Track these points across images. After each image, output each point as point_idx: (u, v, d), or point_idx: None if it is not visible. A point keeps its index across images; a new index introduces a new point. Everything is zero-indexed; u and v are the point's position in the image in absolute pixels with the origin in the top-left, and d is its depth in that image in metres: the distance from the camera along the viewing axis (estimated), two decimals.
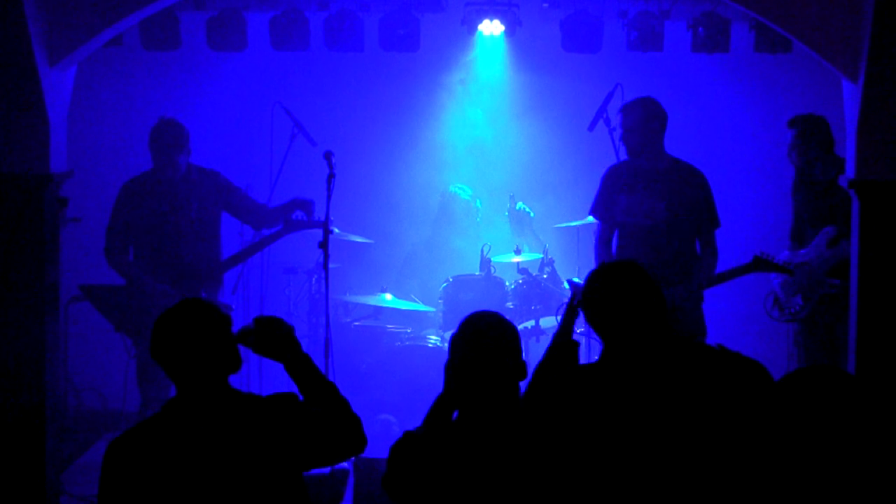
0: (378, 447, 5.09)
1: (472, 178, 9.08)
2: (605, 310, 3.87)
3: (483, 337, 3.66)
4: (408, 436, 3.70)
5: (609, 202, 6.83)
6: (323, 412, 3.85)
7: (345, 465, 6.23)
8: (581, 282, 6.72)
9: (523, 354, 8.20)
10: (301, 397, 3.91)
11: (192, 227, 7.08)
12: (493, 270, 8.00)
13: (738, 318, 8.47)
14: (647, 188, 6.73)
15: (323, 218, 7.05)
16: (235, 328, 3.96)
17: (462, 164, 9.22)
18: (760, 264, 6.71)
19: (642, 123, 6.70)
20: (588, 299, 3.95)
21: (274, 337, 3.96)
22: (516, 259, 8.11)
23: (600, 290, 3.92)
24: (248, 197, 7.34)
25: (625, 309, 3.83)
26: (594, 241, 6.97)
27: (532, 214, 8.64)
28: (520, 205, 8.63)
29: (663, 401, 3.62)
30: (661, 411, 3.60)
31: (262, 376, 7.61)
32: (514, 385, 3.68)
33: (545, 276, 8.02)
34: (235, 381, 3.96)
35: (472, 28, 8.62)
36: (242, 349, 3.95)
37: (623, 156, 7.32)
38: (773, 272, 6.85)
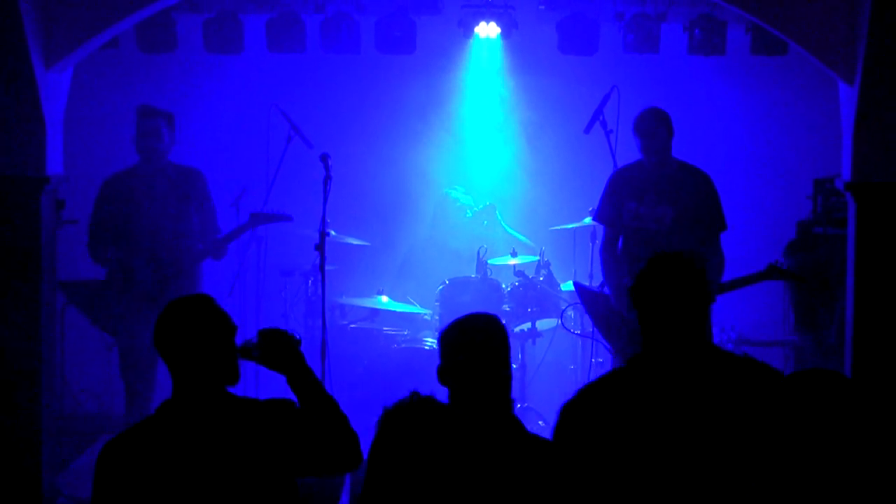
0: None
1: (467, 181, 9.08)
2: (659, 302, 3.69)
3: (487, 338, 3.67)
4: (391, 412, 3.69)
5: (616, 207, 6.81)
6: (320, 422, 3.83)
7: None
8: (587, 284, 6.69)
9: (520, 356, 8.23)
10: (298, 405, 3.89)
11: (169, 223, 7.06)
12: (489, 273, 8.00)
13: (746, 323, 8.42)
14: (656, 193, 6.72)
15: (289, 213, 7.05)
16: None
17: (458, 166, 9.22)
18: (774, 272, 6.68)
19: (663, 132, 6.69)
20: (645, 288, 3.74)
21: (280, 350, 3.94)
22: (513, 261, 8.12)
23: (660, 280, 3.71)
24: (212, 218, 7.23)
25: (678, 304, 3.67)
26: (599, 246, 6.94)
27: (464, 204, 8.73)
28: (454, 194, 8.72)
29: (698, 407, 3.54)
30: (695, 418, 3.53)
31: (259, 383, 7.60)
32: (509, 385, 3.68)
33: (541, 279, 8.01)
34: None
35: (468, 30, 8.63)
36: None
37: (620, 158, 7.33)
38: (787, 280, 6.83)
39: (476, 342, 3.66)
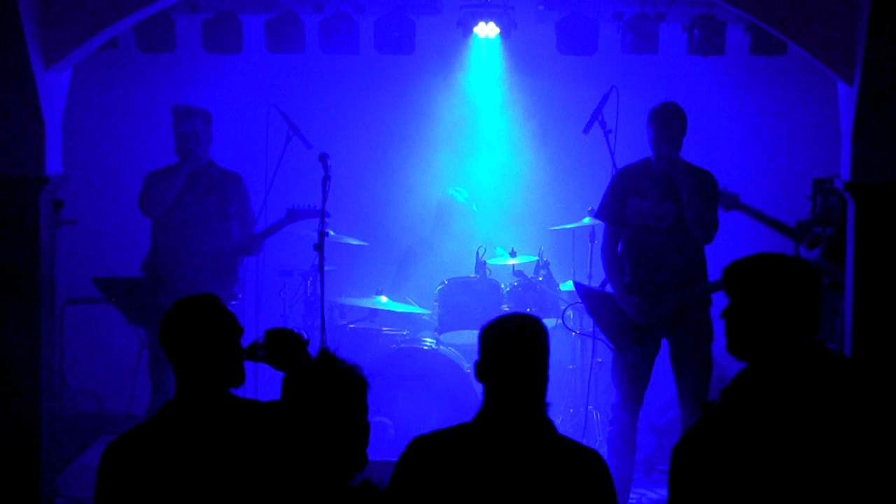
0: (373, 449, 5.07)
1: (467, 181, 9.08)
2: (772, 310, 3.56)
3: (525, 338, 3.70)
4: (419, 441, 3.73)
5: (619, 205, 6.80)
6: None
7: None
8: (587, 283, 6.65)
9: None
10: None
11: (208, 221, 7.13)
12: (488, 273, 8.00)
13: None
14: (660, 191, 6.71)
15: (319, 213, 7.10)
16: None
17: (457, 166, 9.22)
18: None
19: (678, 125, 6.68)
20: (753, 293, 3.63)
21: (287, 350, 3.94)
22: (512, 262, 8.12)
23: (777, 286, 3.59)
24: (250, 222, 7.36)
25: (795, 304, 3.55)
26: (601, 245, 6.93)
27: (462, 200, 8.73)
28: (454, 192, 8.72)
29: (822, 409, 3.46)
30: (821, 420, 3.45)
31: (259, 383, 7.60)
32: (544, 387, 3.71)
33: (540, 279, 8.02)
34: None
35: (467, 30, 8.62)
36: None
37: (619, 158, 7.32)
38: None
39: (514, 342, 3.69)
